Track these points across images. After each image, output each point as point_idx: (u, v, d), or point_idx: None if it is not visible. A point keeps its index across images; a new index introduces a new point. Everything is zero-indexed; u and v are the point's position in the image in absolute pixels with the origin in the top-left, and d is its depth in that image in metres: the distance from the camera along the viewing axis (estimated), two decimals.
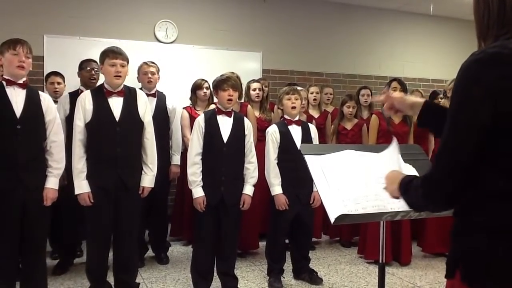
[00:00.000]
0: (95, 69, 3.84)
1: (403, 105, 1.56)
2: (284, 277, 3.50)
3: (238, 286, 3.26)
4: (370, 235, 3.89)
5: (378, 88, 5.89)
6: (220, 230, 3.12)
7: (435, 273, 3.78)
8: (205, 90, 4.26)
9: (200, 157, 3.06)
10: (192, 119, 3.86)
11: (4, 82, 2.64)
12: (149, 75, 3.91)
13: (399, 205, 1.74)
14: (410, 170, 1.84)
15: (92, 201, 2.83)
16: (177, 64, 5.52)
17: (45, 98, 2.80)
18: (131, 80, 3.16)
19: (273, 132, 3.38)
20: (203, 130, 3.07)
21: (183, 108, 4.25)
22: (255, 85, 4.43)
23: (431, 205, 1.18)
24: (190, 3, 5.70)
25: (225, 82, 3.09)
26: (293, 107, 3.41)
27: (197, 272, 3.12)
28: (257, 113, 4.36)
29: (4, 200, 2.58)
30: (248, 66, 5.92)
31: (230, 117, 3.14)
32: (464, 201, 1.12)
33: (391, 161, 1.85)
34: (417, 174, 1.27)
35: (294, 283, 3.53)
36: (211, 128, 3.07)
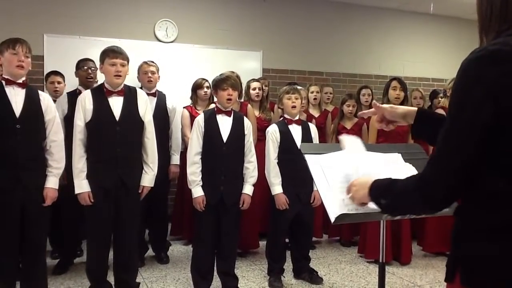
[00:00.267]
0: (92, 68, 3.85)
1: (394, 115, 1.51)
2: (284, 277, 3.50)
3: (239, 285, 3.26)
4: (370, 234, 3.88)
5: (378, 88, 5.89)
6: (220, 229, 3.11)
7: (435, 272, 3.78)
8: (205, 89, 4.26)
9: (200, 156, 3.05)
10: (193, 118, 3.85)
11: (3, 82, 2.64)
12: (149, 75, 3.91)
13: None
14: (410, 170, 1.83)
15: (92, 200, 2.83)
16: (177, 64, 5.52)
17: (44, 98, 2.79)
18: (131, 79, 3.16)
19: (273, 132, 3.38)
20: (203, 130, 3.07)
21: (184, 107, 4.25)
22: (255, 84, 4.43)
23: (427, 206, 1.15)
24: (190, 2, 5.70)
25: (225, 81, 3.08)
26: (293, 107, 3.41)
27: (197, 271, 3.12)
28: (257, 113, 4.36)
29: (4, 199, 2.58)
30: (248, 66, 5.92)
31: (230, 116, 3.13)
32: (465, 203, 1.10)
33: (391, 161, 1.85)
34: (393, 177, 1.24)
35: (294, 282, 3.53)
36: (211, 127, 3.07)
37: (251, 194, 3.15)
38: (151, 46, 5.43)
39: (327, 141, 4.59)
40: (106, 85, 2.93)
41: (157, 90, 3.97)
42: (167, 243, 4.18)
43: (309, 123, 3.61)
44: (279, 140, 3.36)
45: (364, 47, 6.60)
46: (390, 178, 1.24)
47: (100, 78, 3.60)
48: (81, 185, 2.82)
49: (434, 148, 1.12)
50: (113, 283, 3.05)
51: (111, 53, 2.87)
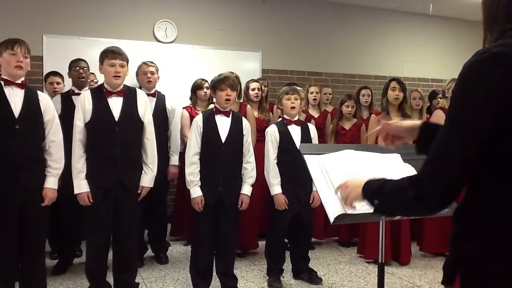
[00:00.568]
0: (85, 68, 3.88)
1: (400, 130, 1.46)
2: (283, 277, 3.50)
3: (238, 286, 3.26)
4: (370, 235, 3.88)
5: (378, 88, 5.89)
6: (218, 230, 3.12)
7: (434, 273, 3.78)
8: (205, 90, 4.26)
9: (198, 156, 3.05)
10: (193, 118, 3.85)
11: (2, 82, 2.64)
12: (149, 75, 3.91)
13: None
14: (409, 170, 1.84)
15: (91, 200, 2.83)
16: (177, 64, 5.52)
17: (43, 98, 2.79)
18: (129, 80, 3.16)
19: (272, 132, 3.38)
20: (201, 130, 3.07)
21: (183, 107, 4.25)
22: (254, 85, 4.43)
23: (424, 207, 1.13)
24: (190, 3, 5.70)
25: (223, 81, 3.08)
26: (293, 107, 3.41)
27: (196, 272, 3.12)
28: (256, 113, 4.36)
29: (3, 200, 2.57)
30: (247, 66, 5.92)
31: (228, 117, 3.13)
32: (465, 205, 1.10)
33: (391, 161, 1.85)
34: (391, 177, 1.22)
35: (294, 283, 3.53)
36: (209, 127, 3.07)
37: (249, 194, 3.15)
38: (150, 46, 5.43)
39: (326, 142, 4.59)
40: (105, 85, 2.93)
41: (156, 91, 3.97)
42: (166, 243, 4.18)
43: (309, 124, 3.61)
44: (278, 141, 3.36)
45: (363, 47, 6.61)
46: (383, 179, 1.23)
47: (100, 78, 3.62)
48: (80, 185, 2.82)
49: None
50: (112, 283, 3.05)
51: (110, 54, 2.87)
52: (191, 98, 4.38)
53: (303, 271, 3.55)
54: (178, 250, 4.33)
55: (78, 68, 3.85)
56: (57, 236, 3.79)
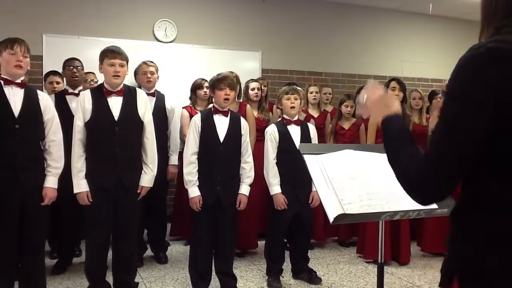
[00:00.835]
0: (79, 67, 3.87)
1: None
2: (283, 277, 3.51)
3: (237, 285, 3.26)
4: (369, 234, 3.88)
5: (359, 103, 5.89)
6: (217, 229, 3.12)
7: (434, 273, 3.78)
8: (205, 89, 4.26)
9: (196, 156, 3.05)
10: None
11: (2, 82, 2.63)
12: (149, 75, 3.90)
13: (398, 204, 1.75)
14: None
15: (91, 200, 2.83)
16: (176, 64, 5.52)
17: (43, 97, 2.79)
18: (128, 79, 3.15)
19: (272, 132, 3.38)
20: (199, 129, 3.06)
21: (183, 107, 4.25)
22: (254, 84, 4.42)
23: (411, 196, 1.10)
24: (189, 2, 5.70)
25: (222, 81, 3.08)
26: (292, 107, 3.40)
27: (195, 272, 3.12)
28: (255, 113, 4.35)
29: (3, 199, 2.57)
30: (247, 66, 5.92)
31: (227, 116, 3.13)
32: (463, 206, 1.09)
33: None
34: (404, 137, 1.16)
35: (293, 282, 3.53)
36: (207, 127, 3.07)
37: (247, 194, 3.15)
38: (150, 46, 5.43)
39: (325, 142, 4.59)
40: (105, 85, 2.93)
41: (156, 90, 3.97)
42: (165, 243, 4.18)
43: (308, 124, 3.61)
44: (277, 140, 3.36)
45: (363, 47, 6.61)
46: (403, 139, 1.16)
47: (100, 78, 3.61)
48: (80, 185, 2.83)
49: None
50: (111, 283, 3.05)
51: (110, 53, 2.87)
52: (190, 98, 4.38)
53: (302, 271, 3.55)
54: (178, 250, 4.33)
55: (72, 67, 3.85)
56: (56, 235, 3.79)
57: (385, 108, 1.25)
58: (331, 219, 1.69)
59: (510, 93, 0.96)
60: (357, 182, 1.80)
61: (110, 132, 2.85)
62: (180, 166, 3.95)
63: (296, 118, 3.46)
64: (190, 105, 4.30)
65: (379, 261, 2.11)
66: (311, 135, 3.48)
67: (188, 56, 5.61)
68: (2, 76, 2.66)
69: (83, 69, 3.96)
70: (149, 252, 4.03)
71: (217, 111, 3.12)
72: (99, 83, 3.59)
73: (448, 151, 1.02)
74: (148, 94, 3.67)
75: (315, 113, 4.83)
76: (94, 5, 5.27)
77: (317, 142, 3.60)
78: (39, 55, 4.86)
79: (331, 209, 1.70)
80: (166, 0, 5.59)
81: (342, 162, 1.87)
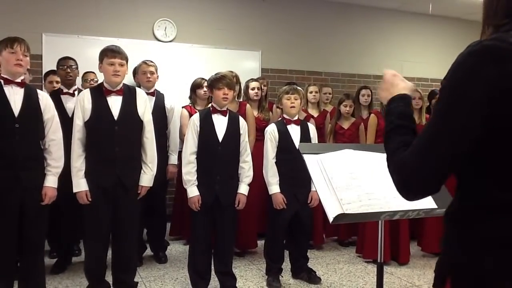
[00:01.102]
0: (73, 67, 3.85)
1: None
2: (282, 276, 3.51)
3: (237, 285, 3.26)
4: (368, 234, 3.89)
5: (378, 88, 5.90)
6: (216, 229, 3.11)
7: (433, 273, 3.77)
8: (205, 89, 4.25)
9: (195, 156, 3.05)
10: None
11: (2, 81, 2.63)
12: (148, 75, 3.90)
13: (398, 204, 1.75)
14: None
15: (90, 199, 2.83)
16: (176, 63, 5.51)
17: (43, 96, 2.79)
18: (127, 79, 3.15)
19: (271, 131, 3.37)
20: (198, 129, 3.06)
21: (183, 107, 4.25)
22: (254, 84, 4.42)
23: (396, 188, 1.09)
24: (189, 2, 5.70)
25: (220, 80, 3.07)
26: (292, 107, 3.40)
27: (194, 271, 3.12)
28: (255, 113, 4.35)
29: (3, 199, 2.57)
30: (247, 65, 5.92)
31: (225, 116, 3.13)
32: (457, 208, 1.08)
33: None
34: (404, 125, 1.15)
35: (293, 282, 3.53)
36: (206, 127, 3.06)
37: (246, 193, 3.15)
38: (149, 45, 5.43)
39: (325, 142, 4.59)
40: (105, 84, 2.93)
41: (155, 90, 3.97)
42: (165, 242, 4.18)
43: (308, 123, 3.61)
44: (277, 140, 3.35)
45: (363, 47, 6.61)
46: (403, 128, 1.15)
47: (100, 77, 3.60)
48: (79, 184, 2.83)
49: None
50: (111, 282, 3.05)
51: (109, 53, 2.87)
52: (190, 97, 4.38)
53: (302, 271, 3.55)
54: (177, 250, 4.33)
55: (65, 67, 3.83)
56: (56, 235, 3.79)
57: (392, 88, 1.23)
58: (330, 219, 1.70)
59: (505, 92, 0.95)
60: (356, 181, 1.80)
61: (109, 131, 2.85)
62: (180, 165, 3.96)
63: (296, 117, 3.46)
64: (190, 105, 4.30)
65: (379, 260, 2.11)
66: (311, 135, 3.48)
67: (188, 55, 5.61)
68: (2, 75, 2.66)
69: (77, 69, 3.93)
70: (148, 252, 4.03)
71: (215, 111, 3.11)
72: (99, 82, 3.59)
73: (439, 148, 1.00)
74: (148, 94, 3.67)
75: (314, 113, 4.82)
76: (94, 4, 5.27)
77: (317, 142, 3.60)
78: (39, 54, 4.86)
79: (331, 209, 1.70)
80: None
81: (341, 162, 1.87)
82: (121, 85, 2.93)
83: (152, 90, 3.91)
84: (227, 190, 3.07)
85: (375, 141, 4.02)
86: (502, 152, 0.98)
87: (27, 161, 2.65)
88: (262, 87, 4.52)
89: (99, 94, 2.89)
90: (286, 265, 3.58)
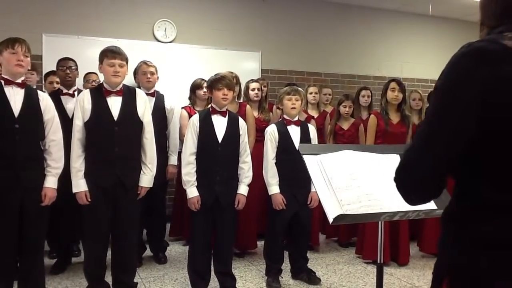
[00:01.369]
0: (72, 68, 3.85)
1: None
2: (282, 277, 3.51)
3: (236, 286, 3.26)
4: (368, 235, 3.89)
5: (377, 89, 5.90)
6: (216, 230, 3.11)
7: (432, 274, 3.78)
8: (204, 89, 4.25)
9: (195, 156, 3.05)
10: None
11: (2, 81, 2.63)
12: (148, 75, 3.90)
13: (397, 205, 1.75)
14: None
15: (89, 200, 2.83)
16: (176, 64, 5.52)
17: (43, 97, 2.79)
18: (127, 79, 3.16)
19: (271, 132, 3.38)
20: (198, 130, 3.06)
21: (182, 107, 4.25)
22: (254, 85, 4.42)
23: (401, 194, 1.10)
24: (189, 2, 5.70)
25: (220, 81, 3.07)
26: (293, 108, 3.40)
27: (194, 272, 3.12)
28: (255, 113, 4.35)
29: (2, 199, 2.57)
30: (246, 66, 5.92)
31: (225, 117, 3.12)
32: (450, 209, 1.08)
33: (390, 161, 1.85)
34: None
35: (292, 283, 3.53)
36: (206, 127, 3.06)
37: (246, 194, 3.15)
38: (149, 46, 5.43)
39: (325, 142, 4.59)
40: (105, 85, 2.93)
41: (155, 91, 3.97)
42: (165, 243, 4.18)
43: (309, 124, 3.61)
44: (277, 140, 3.36)
45: (363, 48, 6.61)
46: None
47: (102, 78, 3.60)
48: (79, 184, 2.83)
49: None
50: (111, 283, 3.05)
51: (109, 54, 2.87)
52: (190, 98, 4.38)
53: (302, 271, 3.55)
54: (177, 250, 4.33)
55: (65, 67, 3.83)
56: (55, 235, 3.79)
57: None
58: (330, 220, 1.70)
59: (496, 93, 0.94)
60: (356, 182, 1.80)
61: (109, 132, 2.85)
62: (179, 166, 3.96)
63: (296, 118, 3.46)
64: (190, 105, 4.30)
65: (378, 261, 2.12)
66: (311, 136, 3.48)
67: (187, 56, 5.61)
68: (2, 76, 2.66)
69: (77, 69, 3.93)
70: (148, 252, 4.03)
71: (215, 112, 3.11)
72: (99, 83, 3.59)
73: (432, 150, 1.01)
74: (148, 94, 3.67)
75: (314, 114, 4.82)
76: (94, 4, 5.27)
77: (317, 142, 3.60)
78: (39, 54, 4.86)
79: (331, 210, 1.70)
80: (166, 0, 5.59)
81: (341, 163, 1.87)
82: (121, 85, 2.93)
83: (152, 91, 3.91)
84: (226, 190, 3.07)
85: (375, 142, 4.02)
86: (496, 153, 0.98)
87: (27, 162, 2.64)
88: (262, 88, 4.52)
89: (99, 94, 2.90)
90: (286, 266, 3.58)
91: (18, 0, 4.96)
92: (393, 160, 1.93)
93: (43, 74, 4.47)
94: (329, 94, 5.17)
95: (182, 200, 4.30)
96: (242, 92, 4.42)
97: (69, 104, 3.66)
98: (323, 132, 4.71)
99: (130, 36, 5.32)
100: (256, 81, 4.54)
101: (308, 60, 6.29)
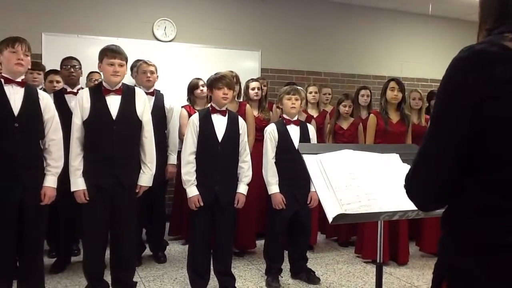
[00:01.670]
0: (76, 67, 3.86)
1: None
2: (282, 277, 3.51)
3: (236, 285, 3.26)
4: (368, 234, 3.89)
5: (377, 88, 5.90)
6: (215, 229, 3.11)
7: (432, 274, 3.78)
8: (201, 87, 4.25)
9: (194, 156, 3.05)
10: None
11: (2, 80, 2.63)
12: (148, 74, 3.89)
13: (397, 205, 1.75)
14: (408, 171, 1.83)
15: (88, 198, 2.83)
16: (176, 63, 5.51)
17: (43, 96, 2.79)
18: (126, 79, 3.16)
19: (271, 131, 3.38)
20: (198, 129, 3.06)
21: (182, 106, 4.24)
22: (254, 84, 4.42)
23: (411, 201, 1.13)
24: (189, 2, 5.70)
25: (220, 80, 3.07)
26: (293, 107, 3.40)
27: (193, 271, 3.12)
28: (255, 113, 4.35)
29: (2, 198, 2.57)
30: (246, 65, 5.92)
31: (225, 116, 3.12)
32: (451, 215, 1.08)
33: (389, 161, 1.85)
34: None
35: (292, 282, 3.53)
36: (206, 127, 3.06)
37: (245, 193, 3.15)
38: (149, 45, 5.43)
39: (324, 142, 4.59)
40: (104, 83, 2.92)
41: (155, 90, 3.97)
42: (164, 242, 4.18)
43: (308, 124, 3.61)
44: (277, 140, 3.35)
45: (362, 47, 6.61)
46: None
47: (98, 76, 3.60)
48: (77, 183, 2.83)
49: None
50: (110, 282, 3.05)
51: (109, 53, 2.87)
52: (188, 99, 4.37)
53: (301, 271, 3.55)
54: (176, 249, 4.33)
55: (69, 66, 3.84)
56: (55, 234, 3.79)
57: None
58: (330, 219, 1.69)
59: (494, 97, 0.95)
60: (356, 182, 1.80)
61: (108, 131, 2.84)
62: (179, 165, 3.96)
63: (295, 118, 3.46)
64: (189, 105, 4.30)
65: (378, 261, 2.11)
66: (310, 136, 3.48)
67: (187, 55, 5.61)
68: (2, 75, 2.66)
69: (80, 69, 3.94)
70: (147, 252, 4.03)
71: (215, 111, 3.11)
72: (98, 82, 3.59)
73: (434, 152, 1.03)
74: (147, 94, 3.67)
75: (314, 113, 4.83)
76: (94, 3, 5.27)
77: (316, 142, 3.60)
78: (39, 53, 4.86)
79: (330, 209, 1.70)
80: None
81: (341, 162, 1.87)
82: (120, 84, 2.93)
83: (151, 90, 3.91)
84: (226, 190, 3.07)
85: (374, 141, 4.01)
86: (489, 154, 0.98)
87: (27, 161, 2.64)
88: (262, 87, 4.52)
89: (98, 93, 2.89)
90: (286, 265, 3.58)
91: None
92: (392, 160, 1.93)
93: (43, 73, 4.46)
94: (329, 94, 5.17)
95: (181, 199, 4.30)
96: (242, 91, 4.42)
97: (73, 103, 3.65)
98: (322, 132, 4.71)
99: (130, 35, 5.32)
100: (256, 80, 4.53)
101: (308, 60, 6.29)
